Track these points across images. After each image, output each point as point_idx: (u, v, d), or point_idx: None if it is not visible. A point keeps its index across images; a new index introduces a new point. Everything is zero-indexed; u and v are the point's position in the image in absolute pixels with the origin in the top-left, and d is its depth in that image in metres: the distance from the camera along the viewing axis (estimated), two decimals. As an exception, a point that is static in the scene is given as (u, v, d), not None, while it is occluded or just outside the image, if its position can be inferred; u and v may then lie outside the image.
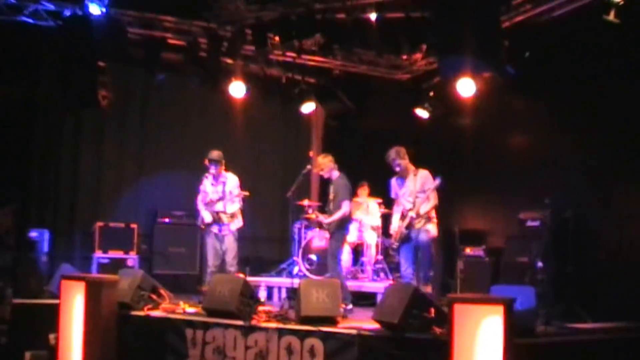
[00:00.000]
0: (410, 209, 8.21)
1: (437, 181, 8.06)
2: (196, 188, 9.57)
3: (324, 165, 9.01)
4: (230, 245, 9.23)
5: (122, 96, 10.76)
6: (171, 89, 11.51)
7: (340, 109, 12.32)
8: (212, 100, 11.69)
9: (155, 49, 10.11)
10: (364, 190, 11.42)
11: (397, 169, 8.38)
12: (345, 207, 8.87)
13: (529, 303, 6.62)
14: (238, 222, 9.36)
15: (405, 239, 8.26)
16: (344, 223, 9.01)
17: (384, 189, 11.19)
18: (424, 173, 8.33)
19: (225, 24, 9.98)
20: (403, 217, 8.33)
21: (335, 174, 9.08)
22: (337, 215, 8.86)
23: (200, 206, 9.40)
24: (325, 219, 9.12)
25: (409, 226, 8.20)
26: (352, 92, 11.59)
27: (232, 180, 9.34)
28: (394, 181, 8.57)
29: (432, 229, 8.26)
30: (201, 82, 10.58)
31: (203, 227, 9.33)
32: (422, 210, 8.18)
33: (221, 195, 9.26)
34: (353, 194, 9.63)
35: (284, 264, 11.48)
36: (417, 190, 8.20)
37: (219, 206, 9.24)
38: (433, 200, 8.22)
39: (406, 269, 8.29)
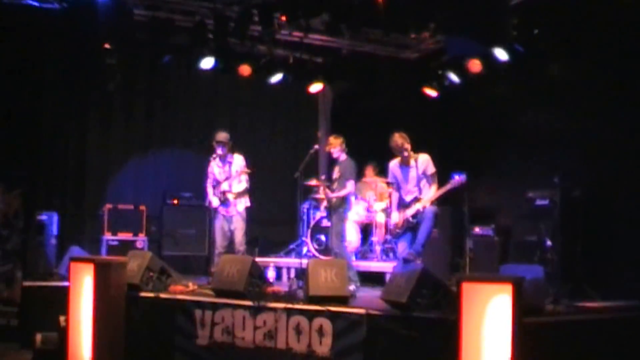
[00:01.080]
0: (416, 198, 8.18)
1: (462, 178, 7.99)
2: (204, 169, 9.59)
3: (335, 144, 9.21)
4: (238, 225, 9.26)
5: (128, 78, 10.74)
6: (178, 70, 11.49)
7: (348, 88, 12.27)
8: (219, 82, 11.66)
9: (162, 31, 10.07)
10: (371, 171, 11.40)
11: (405, 154, 8.31)
12: (350, 186, 9.03)
13: (535, 277, 6.61)
14: (245, 202, 9.38)
15: (410, 227, 8.25)
16: (345, 202, 9.15)
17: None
18: (425, 157, 8.28)
19: (231, 4, 9.92)
20: (403, 206, 8.30)
21: (343, 156, 9.27)
22: (342, 192, 8.96)
23: (209, 189, 9.44)
24: (329, 194, 9.17)
25: (416, 215, 8.18)
26: (360, 71, 11.54)
27: (238, 161, 9.39)
28: (395, 166, 8.48)
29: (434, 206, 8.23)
30: (215, 62, 10.48)
31: (214, 205, 9.36)
32: (426, 197, 8.15)
33: (227, 175, 9.29)
34: (360, 175, 9.63)
35: (292, 245, 11.48)
36: (419, 175, 8.18)
37: (225, 186, 9.27)
38: (435, 186, 8.19)
39: (404, 249, 8.27)
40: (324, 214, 10.64)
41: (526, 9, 8.77)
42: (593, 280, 8.01)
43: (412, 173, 8.25)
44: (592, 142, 8.95)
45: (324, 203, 9.21)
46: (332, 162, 9.61)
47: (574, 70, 9.13)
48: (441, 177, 8.30)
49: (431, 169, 8.21)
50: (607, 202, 8.85)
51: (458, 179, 7.99)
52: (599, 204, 8.82)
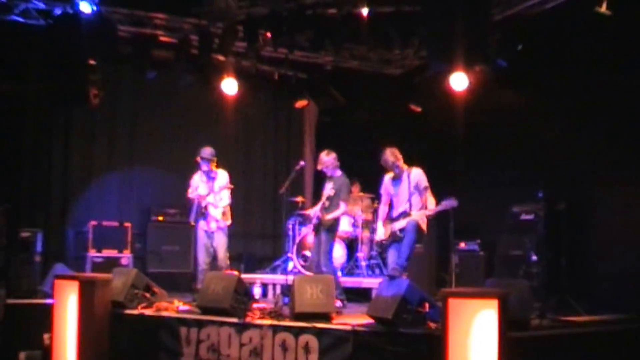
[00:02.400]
0: (405, 212, 8.18)
1: (453, 203, 7.98)
2: (189, 185, 9.55)
3: (328, 162, 8.91)
4: (220, 241, 9.23)
5: (112, 94, 10.72)
6: (162, 86, 11.47)
7: (332, 104, 12.30)
8: (204, 98, 11.63)
9: (146, 47, 10.06)
10: (356, 187, 11.43)
11: (396, 170, 8.32)
12: (343, 207, 8.85)
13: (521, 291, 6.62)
14: (227, 218, 9.34)
15: (396, 240, 8.27)
16: (337, 221, 8.98)
17: (377, 184, 11.19)
18: (417, 171, 8.30)
19: (216, 20, 9.94)
20: (391, 220, 8.32)
21: (338, 172, 8.96)
22: (337, 213, 8.80)
23: (191, 195, 9.36)
24: (325, 216, 8.97)
25: (403, 229, 8.18)
26: (344, 87, 11.58)
27: (222, 176, 9.37)
28: (388, 180, 8.50)
29: (422, 220, 8.21)
30: (193, 80, 10.53)
31: (193, 223, 9.30)
32: (415, 213, 8.15)
33: (210, 190, 9.26)
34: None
35: (278, 261, 11.45)
36: (411, 189, 8.20)
37: (209, 199, 9.23)
38: (431, 201, 8.18)
39: (392, 262, 8.25)
40: (309, 230, 10.54)
41: (509, 25, 8.85)
42: (578, 294, 8.04)
43: (404, 187, 8.26)
44: (576, 157, 9.00)
45: (313, 220, 9.01)
46: (321, 178, 9.41)
47: (558, 85, 9.19)
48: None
49: (423, 183, 8.23)
50: (591, 215, 8.91)
51: (449, 203, 7.99)
52: (583, 218, 8.88)
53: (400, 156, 8.32)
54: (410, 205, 8.19)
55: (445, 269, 9.86)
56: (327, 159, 8.92)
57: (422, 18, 8.58)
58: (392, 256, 8.32)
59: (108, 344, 7.33)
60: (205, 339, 7.23)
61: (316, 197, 10.24)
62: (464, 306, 5.72)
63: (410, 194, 8.23)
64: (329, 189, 8.87)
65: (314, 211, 9.06)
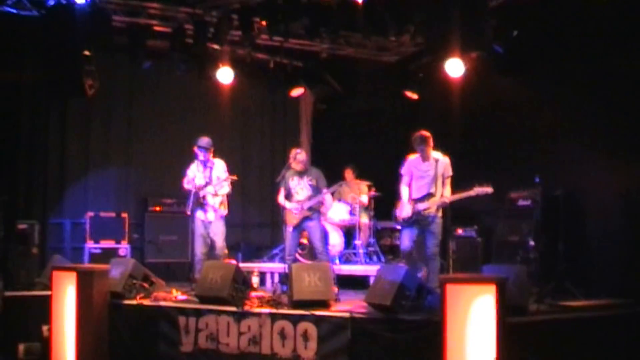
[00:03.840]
0: (429, 193, 8.24)
1: (489, 190, 8.05)
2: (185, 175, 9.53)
3: (307, 161, 9.36)
4: (218, 230, 9.20)
5: (108, 84, 10.66)
6: (157, 76, 11.44)
7: (328, 92, 12.28)
8: (200, 87, 11.59)
9: (141, 37, 10.03)
10: (350, 173, 11.42)
11: (426, 153, 8.36)
12: (326, 194, 9.23)
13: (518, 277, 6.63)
14: (224, 207, 9.34)
15: (414, 222, 8.31)
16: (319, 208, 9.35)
17: (373, 170, 11.19)
18: (446, 160, 8.37)
19: (210, 9, 9.91)
20: (414, 200, 8.36)
21: (311, 167, 9.45)
22: (319, 197, 9.14)
23: (187, 186, 9.35)
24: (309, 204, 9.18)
25: (427, 209, 8.23)
26: (340, 75, 11.56)
27: (219, 166, 9.34)
28: (414, 162, 8.50)
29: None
30: (187, 69, 10.52)
31: (189, 213, 9.27)
32: (443, 195, 8.24)
33: (208, 180, 9.24)
34: (340, 178, 9.75)
35: (276, 249, 11.45)
36: (436, 175, 8.27)
37: (208, 189, 9.21)
38: (448, 189, 8.31)
39: (409, 247, 8.37)
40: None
41: (506, 10, 8.82)
42: (575, 279, 8.05)
43: (431, 172, 8.31)
44: (572, 142, 9.00)
45: (304, 213, 9.17)
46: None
47: (554, 71, 9.18)
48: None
49: (449, 172, 8.33)
50: (588, 201, 8.90)
51: (484, 189, 8.03)
52: (580, 203, 8.88)
53: (431, 141, 8.36)
54: (436, 189, 8.25)
55: (443, 256, 9.88)
56: (301, 156, 9.24)
57: (418, 4, 8.55)
58: (406, 237, 8.40)
59: (107, 334, 7.35)
60: (203, 328, 7.26)
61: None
62: (461, 292, 5.74)
63: (434, 179, 8.28)
64: (310, 181, 9.20)
65: (297, 205, 9.18)
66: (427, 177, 8.34)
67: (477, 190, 8.05)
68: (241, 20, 9.71)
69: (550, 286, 7.88)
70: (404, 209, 8.43)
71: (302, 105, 13.39)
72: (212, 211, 9.21)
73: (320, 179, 9.25)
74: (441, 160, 8.32)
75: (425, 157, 8.39)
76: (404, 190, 8.54)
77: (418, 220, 8.28)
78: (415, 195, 8.39)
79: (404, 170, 8.59)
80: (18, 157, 10.69)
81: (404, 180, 8.56)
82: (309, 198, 9.16)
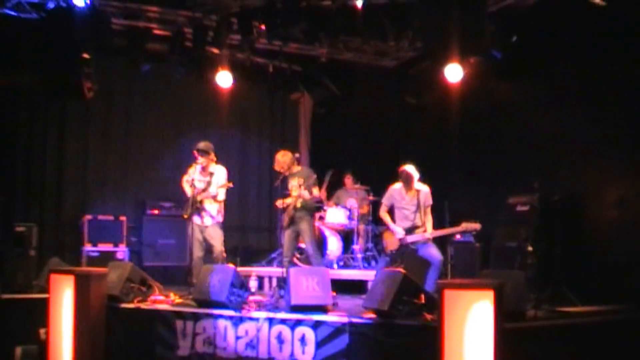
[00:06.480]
0: (415, 225, 8.31)
1: (477, 226, 8.08)
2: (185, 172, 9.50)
3: (285, 163, 9.09)
4: (215, 234, 9.14)
5: (106, 87, 10.68)
6: (156, 79, 11.44)
7: (327, 96, 12.28)
8: (199, 90, 11.60)
9: (140, 40, 10.04)
10: (349, 179, 11.44)
11: (412, 184, 8.40)
12: (316, 191, 9.22)
13: (516, 282, 6.61)
14: (221, 213, 9.29)
15: (403, 253, 8.35)
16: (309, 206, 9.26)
17: (371, 175, 11.18)
18: (427, 190, 8.43)
19: (210, 13, 9.92)
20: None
21: (297, 167, 9.23)
22: (314, 193, 9.10)
23: (185, 185, 9.30)
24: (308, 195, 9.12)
25: (415, 242, 8.30)
26: (339, 79, 11.56)
27: (220, 173, 9.24)
28: (397, 191, 8.53)
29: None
30: (186, 72, 10.52)
31: (186, 216, 9.23)
32: (431, 229, 8.32)
33: (207, 185, 9.19)
34: (340, 183, 9.69)
35: (274, 254, 11.44)
36: (419, 205, 8.33)
37: (207, 194, 9.18)
38: (429, 218, 8.40)
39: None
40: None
41: (504, 16, 8.84)
42: (573, 284, 8.05)
43: (414, 202, 8.39)
44: (571, 148, 9.01)
45: (290, 213, 9.12)
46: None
47: (553, 76, 9.19)
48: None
49: (430, 201, 8.42)
50: (586, 206, 8.91)
51: (471, 225, 8.07)
52: (578, 209, 8.88)
53: (417, 174, 8.42)
54: (420, 220, 8.33)
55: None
56: (284, 159, 9.13)
57: (417, 9, 8.57)
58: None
59: (104, 337, 7.33)
60: (201, 332, 7.25)
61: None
62: (459, 297, 5.73)
63: (417, 209, 8.36)
64: (298, 181, 9.08)
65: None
66: (411, 206, 8.42)
67: (465, 226, 8.09)
68: (240, 24, 9.72)
69: (548, 292, 7.87)
70: (397, 232, 8.43)
71: (301, 109, 13.40)
72: (208, 217, 9.16)
73: (309, 178, 9.14)
74: (423, 191, 8.41)
75: (409, 189, 8.46)
76: (387, 218, 8.58)
77: (402, 253, 8.36)
78: (400, 225, 8.44)
79: (385, 199, 8.63)
80: (16, 160, 10.70)
81: (385, 208, 8.60)
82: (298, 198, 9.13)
